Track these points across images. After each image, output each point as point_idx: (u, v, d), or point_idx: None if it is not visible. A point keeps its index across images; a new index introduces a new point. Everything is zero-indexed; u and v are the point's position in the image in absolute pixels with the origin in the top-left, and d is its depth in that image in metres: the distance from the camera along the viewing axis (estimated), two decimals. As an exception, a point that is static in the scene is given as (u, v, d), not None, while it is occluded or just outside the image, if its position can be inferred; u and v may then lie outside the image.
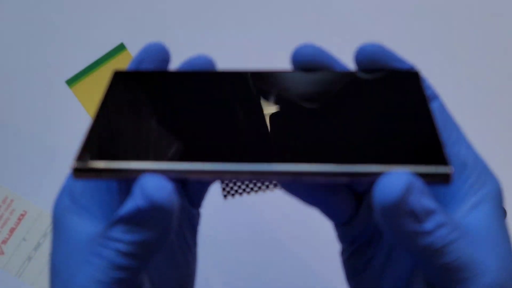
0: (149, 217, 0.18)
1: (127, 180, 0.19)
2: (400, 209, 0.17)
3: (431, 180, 0.18)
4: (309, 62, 0.23)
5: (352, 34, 0.52)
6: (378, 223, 0.19)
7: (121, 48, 0.52)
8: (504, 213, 0.22)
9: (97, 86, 0.52)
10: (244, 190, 0.51)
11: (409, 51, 0.52)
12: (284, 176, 0.18)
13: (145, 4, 0.52)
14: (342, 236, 0.26)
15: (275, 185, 0.20)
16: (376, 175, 0.18)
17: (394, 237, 0.19)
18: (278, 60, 0.53)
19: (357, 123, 0.20)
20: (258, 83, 0.23)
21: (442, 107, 0.22)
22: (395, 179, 0.17)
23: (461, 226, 0.20)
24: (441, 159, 0.18)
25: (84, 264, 0.20)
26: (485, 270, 0.19)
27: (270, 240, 0.51)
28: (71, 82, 0.52)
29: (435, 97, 0.23)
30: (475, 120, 0.52)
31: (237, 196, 0.51)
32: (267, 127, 0.19)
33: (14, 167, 0.51)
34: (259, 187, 0.51)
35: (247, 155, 0.18)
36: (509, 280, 0.20)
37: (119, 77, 0.23)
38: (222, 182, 0.22)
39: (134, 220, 0.19)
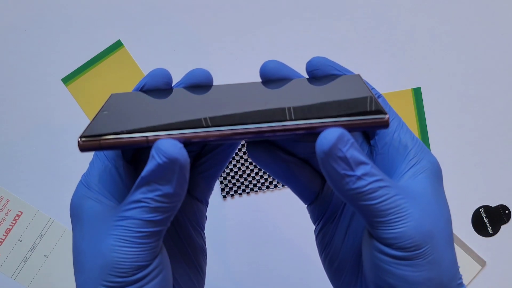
0: (167, 171, 0.22)
1: (123, 147, 0.24)
2: (334, 154, 0.23)
3: (375, 125, 0.24)
4: (273, 74, 0.28)
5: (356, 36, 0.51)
6: (322, 171, 0.24)
7: (118, 45, 0.51)
8: (440, 182, 0.27)
9: (93, 85, 0.51)
10: (244, 190, 0.51)
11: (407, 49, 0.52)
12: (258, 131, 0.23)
13: (143, 0, 0.52)
14: (312, 214, 0.31)
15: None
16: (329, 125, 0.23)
17: (331, 181, 0.23)
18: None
19: (313, 99, 0.26)
20: (229, 90, 0.28)
21: (385, 102, 0.28)
22: (330, 132, 0.23)
23: (395, 183, 0.25)
24: (380, 112, 0.24)
25: (110, 230, 0.24)
26: (408, 216, 0.24)
27: (270, 240, 0.51)
28: (67, 80, 0.51)
29: (379, 96, 0.28)
30: (474, 119, 0.52)
31: (236, 196, 0.51)
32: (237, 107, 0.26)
33: (10, 166, 0.51)
34: (259, 188, 0.50)
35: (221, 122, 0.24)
36: (431, 231, 0.24)
37: (116, 96, 0.28)
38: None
39: (155, 177, 0.23)
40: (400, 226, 0.24)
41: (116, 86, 0.51)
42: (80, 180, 0.27)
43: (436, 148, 0.51)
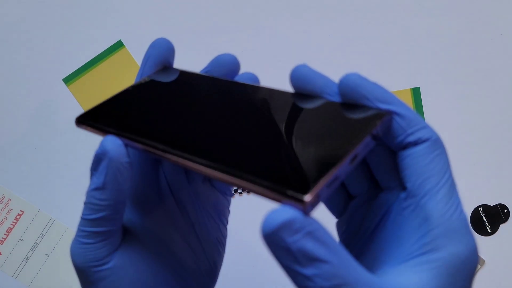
0: (99, 161, 0.23)
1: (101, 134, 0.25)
2: (275, 242, 0.17)
3: (290, 202, 0.18)
4: (302, 83, 0.23)
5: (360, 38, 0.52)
6: None
7: (119, 45, 0.51)
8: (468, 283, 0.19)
9: (94, 85, 0.51)
10: (244, 189, 0.51)
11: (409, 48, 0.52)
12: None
13: (144, 0, 0.52)
14: (337, 231, 0.27)
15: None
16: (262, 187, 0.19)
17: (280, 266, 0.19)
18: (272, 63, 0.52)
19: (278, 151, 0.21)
20: (237, 94, 0.27)
21: (429, 152, 0.21)
22: (274, 213, 0.17)
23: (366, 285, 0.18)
24: (305, 188, 0.18)
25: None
26: None
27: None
28: (68, 80, 0.51)
29: (426, 140, 0.21)
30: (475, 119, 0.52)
31: (236, 196, 0.51)
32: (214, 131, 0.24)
33: (11, 166, 0.51)
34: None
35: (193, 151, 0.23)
36: None
37: (162, 73, 0.30)
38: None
39: (92, 168, 0.24)
40: None
41: (117, 86, 0.51)
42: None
43: (435, 147, 0.51)
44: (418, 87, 0.51)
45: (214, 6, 0.52)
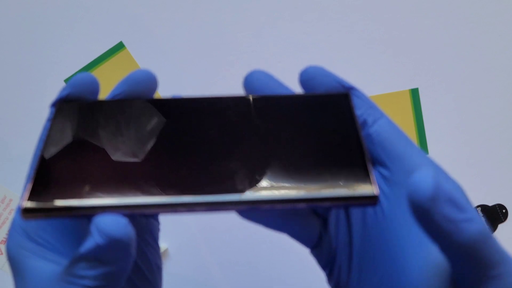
0: (108, 252, 0.19)
1: (80, 217, 0.20)
2: (440, 199, 0.17)
3: (360, 202, 0.19)
4: (257, 89, 0.24)
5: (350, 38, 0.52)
6: (424, 227, 0.19)
7: (120, 46, 0.52)
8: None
9: (95, 85, 0.51)
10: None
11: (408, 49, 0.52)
12: (240, 206, 0.19)
13: (145, 1, 0.52)
14: (319, 259, 0.26)
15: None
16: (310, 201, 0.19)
17: (439, 236, 0.18)
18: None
19: (294, 153, 0.21)
20: (206, 110, 0.23)
21: (388, 124, 0.23)
22: (422, 175, 0.18)
23: None
24: (367, 183, 0.19)
25: None
26: None
27: (269, 240, 0.51)
28: (69, 81, 0.52)
29: (380, 116, 0.23)
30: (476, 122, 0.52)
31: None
32: (215, 157, 0.21)
33: (12, 166, 0.51)
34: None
35: (201, 188, 0.19)
36: None
37: (62, 109, 0.23)
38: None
39: (95, 256, 0.19)
40: (509, 282, 0.19)
41: (117, 87, 0.51)
42: (14, 222, 0.22)
43: (434, 148, 0.51)
44: (417, 88, 0.51)
45: (214, 8, 0.52)
